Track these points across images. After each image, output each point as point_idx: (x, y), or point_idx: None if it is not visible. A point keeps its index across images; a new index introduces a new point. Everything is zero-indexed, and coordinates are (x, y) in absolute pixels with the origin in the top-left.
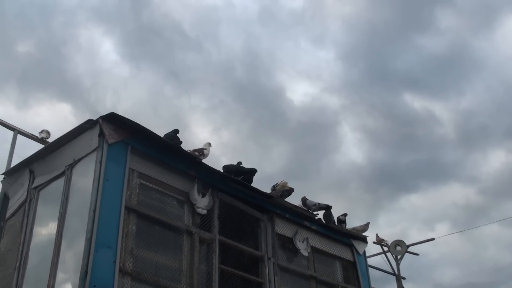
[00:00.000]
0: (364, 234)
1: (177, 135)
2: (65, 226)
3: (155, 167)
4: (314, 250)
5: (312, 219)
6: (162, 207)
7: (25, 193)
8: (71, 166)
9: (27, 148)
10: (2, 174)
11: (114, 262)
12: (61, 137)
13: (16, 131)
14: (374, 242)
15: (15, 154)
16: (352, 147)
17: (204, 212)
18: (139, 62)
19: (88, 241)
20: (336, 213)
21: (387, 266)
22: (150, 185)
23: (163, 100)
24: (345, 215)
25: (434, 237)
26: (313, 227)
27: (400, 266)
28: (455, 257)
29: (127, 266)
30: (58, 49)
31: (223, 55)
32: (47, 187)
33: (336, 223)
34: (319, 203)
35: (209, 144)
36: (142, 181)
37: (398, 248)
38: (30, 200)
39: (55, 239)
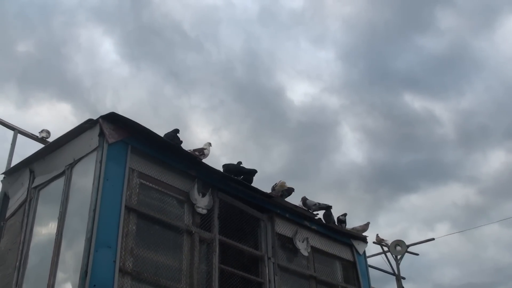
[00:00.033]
0: (364, 234)
1: (177, 134)
2: (65, 226)
3: (155, 167)
4: (314, 250)
5: (312, 219)
6: (162, 207)
7: (25, 193)
8: (71, 165)
9: (27, 148)
10: (2, 173)
11: (114, 261)
12: (61, 136)
13: (16, 130)
14: (374, 242)
15: (15, 154)
16: (352, 147)
17: (204, 211)
18: (139, 62)
19: (88, 240)
20: (336, 213)
21: (387, 266)
22: (150, 184)
23: (163, 100)
24: (345, 215)
25: (434, 237)
26: (313, 227)
27: (400, 266)
28: (455, 257)
29: (127, 265)
30: (58, 49)
31: (223, 55)
32: (47, 186)
33: (336, 223)
34: (319, 203)
35: (209, 144)
36: (142, 180)
37: (398, 248)
38: (30, 200)
39: (55, 239)
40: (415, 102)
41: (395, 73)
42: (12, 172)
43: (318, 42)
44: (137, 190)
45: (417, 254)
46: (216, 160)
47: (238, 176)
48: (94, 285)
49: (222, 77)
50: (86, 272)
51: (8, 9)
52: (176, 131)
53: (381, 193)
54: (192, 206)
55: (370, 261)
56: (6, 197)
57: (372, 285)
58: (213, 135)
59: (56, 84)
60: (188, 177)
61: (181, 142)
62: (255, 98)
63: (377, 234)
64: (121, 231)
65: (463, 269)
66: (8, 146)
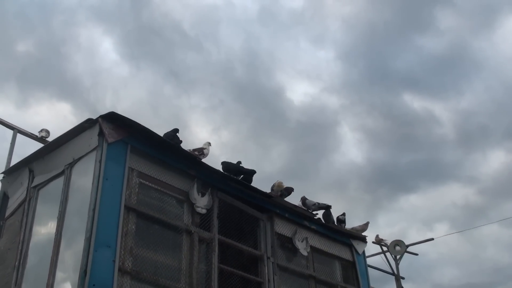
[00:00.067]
0: (363, 233)
1: (177, 134)
2: (64, 225)
3: (155, 166)
4: (314, 249)
5: (311, 218)
6: (161, 206)
7: (25, 192)
8: (71, 165)
9: (27, 147)
10: (2, 173)
11: (114, 261)
12: (61, 136)
13: (16, 130)
14: (373, 242)
15: (14, 153)
16: (351, 147)
17: (204, 211)
18: (139, 62)
19: (88, 240)
20: (335, 213)
21: (386, 266)
22: (150, 184)
23: (163, 99)
24: (343, 214)
25: (433, 237)
26: (313, 226)
27: (399, 266)
28: (454, 257)
29: (127, 265)
30: (57, 48)
31: (223, 54)
32: (46, 186)
33: (335, 223)
34: (318, 203)
35: (209, 144)
36: (141, 180)
37: (397, 248)
38: (30, 199)
39: (55, 238)
40: (414, 102)
41: (395, 73)
42: (11, 172)
43: (318, 42)
44: (137, 189)
45: (416, 254)
46: (216, 159)
47: (237, 176)
48: (94, 285)
49: (222, 77)
50: (85, 271)
51: (8, 9)
52: (176, 130)
53: (380, 193)
54: (192, 205)
55: (369, 261)
56: (5, 197)
57: (371, 285)
58: (212, 135)
59: (55, 84)
60: (187, 176)
61: (181, 141)
62: (255, 98)
63: (377, 235)
64: (121, 230)
65: (462, 269)
66: (8, 145)
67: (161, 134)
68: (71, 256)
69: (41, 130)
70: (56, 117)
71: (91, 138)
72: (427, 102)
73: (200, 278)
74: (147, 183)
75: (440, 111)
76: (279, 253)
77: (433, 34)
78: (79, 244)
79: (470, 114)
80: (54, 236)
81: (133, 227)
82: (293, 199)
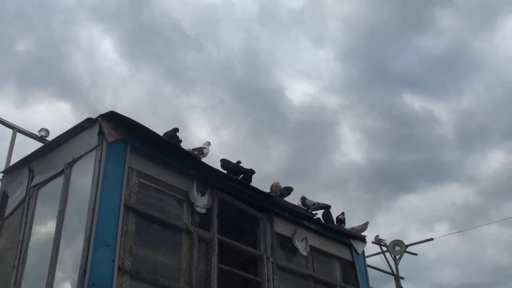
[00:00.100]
0: (363, 233)
1: (177, 134)
2: (64, 225)
3: (155, 166)
4: (313, 249)
5: (311, 218)
6: (161, 206)
7: (24, 192)
8: (70, 164)
9: (26, 147)
10: (1, 172)
11: (113, 260)
12: (60, 135)
13: (15, 129)
14: (373, 242)
15: (14, 153)
16: (351, 147)
17: (203, 211)
18: (139, 61)
19: (87, 239)
20: (335, 213)
21: (385, 266)
22: (150, 183)
23: (163, 99)
24: (343, 213)
25: (433, 237)
26: (312, 226)
27: (399, 266)
28: (453, 257)
29: (126, 264)
30: (57, 47)
31: (223, 54)
32: (46, 185)
33: (335, 223)
34: (318, 203)
35: (209, 143)
36: (141, 179)
37: (397, 248)
38: (29, 199)
39: (54, 238)
40: (414, 102)
41: (394, 73)
42: (11, 171)
43: (318, 42)
44: (136, 189)
45: (416, 254)
46: (216, 159)
47: (237, 176)
48: (93, 284)
49: (222, 76)
50: (85, 271)
51: (7, 8)
52: (176, 130)
53: (380, 193)
54: (191, 205)
55: (369, 261)
56: (5, 196)
57: (370, 285)
58: (212, 135)
59: (55, 83)
60: (187, 176)
61: (181, 141)
62: (255, 97)
63: (377, 235)
64: (120, 230)
65: (462, 269)
66: (7, 144)
67: (161, 134)
68: (71, 256)
69: (41, 130)
70: (55, 116)
71: (91, 137)
72: (427, 102)
73: (200, 277)
74: (147, 182)
75: (440, 111)
76: (279, 253)
77: (433, 34)
78: (79, 244)
79: (470, 114)
80: (53, 235)
81: (133, 226)
82: (293, 199)
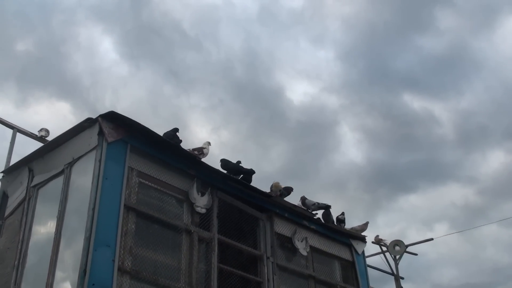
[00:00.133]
0: (363, 233)
1: (177, 134)
2: (64, 225)
3: (155, 166)
4: (313, 249)
5: (311, 218)
6: (161, 206)
7: (24, 192)
8: (70, 164)
9: (26, 147)
10: (1, 172)
11: (113, 260)
12: (60, 135)
13: (15, 129)
14: (372, 242)
15: (14, 153)
16: (351, 147)
17: (203, 211)
18: (139, 61)
19: (87, 239)
20: (335, 213)
21: (385, 266)
22: (150, 183)
23: (163, 99)
24: (343, 213)
25: (433, 237)
26: (312, 226)
27: (399, 266)
28: (453, 258)
29: (126, 264)
30: (57, 47)
31: (223, 54)
32: (46, 185)
33: (335, 223)
34: (318, 203)
35: (209, 143)
36: (141, 179)
37: (397, 248)
38: (29, 199)
39: (54, 238)
40: (414, 102)
41: (394, 73)
42: (11, 171)
43: (318, 42)
44: (136, 189)
45: (415, 254)
46: (215, 159)
47: (236, 176)
48: (93, 284)
49: (222, 76)
50: (85, 271)
51: (7, 8)
52: (176, 130)
53: (380, 193)
54: (191, 205)
55: (368, 261)
56: (5, 196)
57: (370, 285)
58: (212, 135)
59: (55, 83)
60: (187, 176)
61: (181, 141)
62: (255, 97)
63: (377, 235)
64: (120, 230)
65: (461, 269)
66: (7, 144)
67: (161, 134)
68: (71, 256)
69: (41, 130)
70: (55, 116)
71: (91, 137)
72: (427, 102)
73: (200, 277)
74: (147, 182)
75: (440, 111)
76: (279, 253)
77: (433, 34)
78: (79, 244)
79: (469, 114)
80: (53, 235)
81: (133, 226)
82: (293, 199)
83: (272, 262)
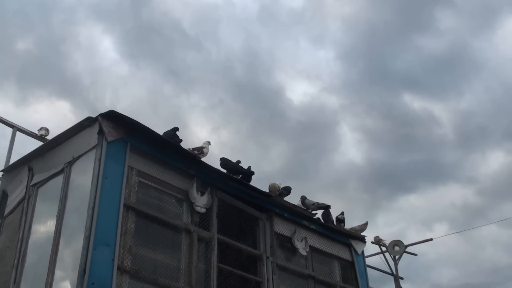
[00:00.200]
0: (362, 233)
1: (177, 133)
2: (63, 224)
3: (154, 165)
4: (313, 249)
5: (310, 218)
6: (161, 205)
7: (24, 190)
8: (70, 163)
9: (26, 145)
10: (1, 171)
11: (113, 260)
12: (60, 134)
13: (15, 128)
14: (372, 242)
15: (14, 151)
16: (351, 147)
17: (203, 210)
18: (139, 61)
19: (87, 238)
20: (334, 213)
21: (385, 266)
22: (149, 183)
23: (163, 98)
24: (342, 213)
25: (432, 238)
26: (312, 226)
27: (398, 266)
28: (453, 258)
29: (126, 264)
30: (57, 46)
31: (223, 54)
32: (46, 184)
33: (334, 223)
34: (318, 203)
35: (208, 143)
36: (141, 179)
37: (396, 248)
38: (29, 198)
39: (54, 237)
40: (414, 103)
41: (394, 73)
42: (11, 170)
43: (318, 42)
44: (136, 188)
45: (415, 254)
46: (215, 159)
47: (236, 175)
48: (93, 283)
49: (222, 76)
50: (84, 270)
51: (7, 7)
52: (175, 129)
53: (379, 193)
54: (191, 204)
55: (368, 261)
56: (4, 195)
57: (370, 285)
58: (212, 134)
59: (55, 82)
60: (187, 175)
61: (181, 140)
62: (255, 97)
63: (377, 235)
64: (120, 229)
65: (461, 270)
66: (7, 143)
67: (161, 133)
68: (70, 255)
69: (41, 128)
70: (55, 115)
71: (91, 136)
72: (427, 102)
73: (199, 277)
74: (147, 182)
75: (440, 112)
76: (278, 253)
77: (433, 34)
78: (78, 243)
79: (469, 115)
80: (53, 234)
81: (132, 226)
82: (293, 199)
83: (271, 262)
